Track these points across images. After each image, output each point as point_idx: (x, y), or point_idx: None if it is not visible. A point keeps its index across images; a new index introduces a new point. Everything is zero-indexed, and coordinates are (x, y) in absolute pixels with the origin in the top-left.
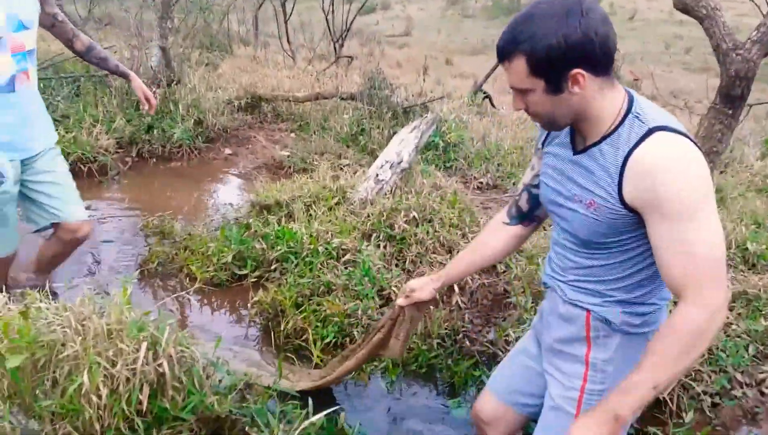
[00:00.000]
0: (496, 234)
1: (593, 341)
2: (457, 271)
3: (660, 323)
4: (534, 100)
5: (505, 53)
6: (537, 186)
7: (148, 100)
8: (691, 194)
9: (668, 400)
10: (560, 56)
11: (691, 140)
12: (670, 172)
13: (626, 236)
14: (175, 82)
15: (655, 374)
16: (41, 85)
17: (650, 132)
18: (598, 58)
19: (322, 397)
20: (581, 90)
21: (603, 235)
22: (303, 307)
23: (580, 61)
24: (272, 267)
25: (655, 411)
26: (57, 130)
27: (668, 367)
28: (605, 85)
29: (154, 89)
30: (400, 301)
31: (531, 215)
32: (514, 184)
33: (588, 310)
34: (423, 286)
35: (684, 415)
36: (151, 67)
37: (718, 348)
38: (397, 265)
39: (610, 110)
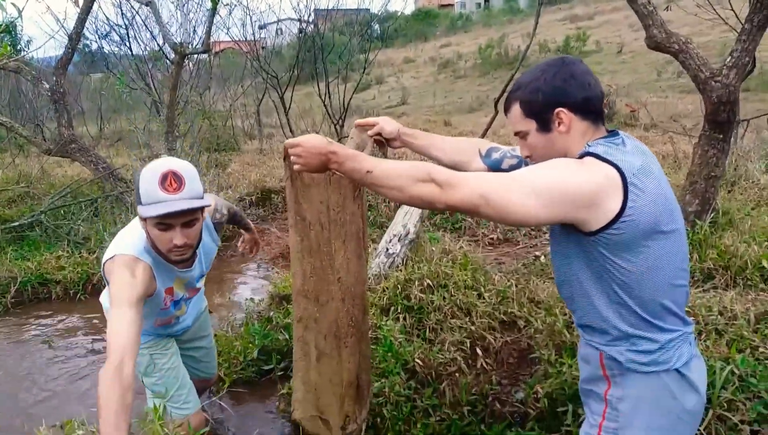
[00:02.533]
0: (464, 154)
1: (611, 379)
2: (417, 145)
3: (673, 363)
4: (531, 143)
5: (506, 104)
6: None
7: (251, 250)
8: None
9: None
10: (544, 97)
11: (616, 167)
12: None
13: (570, 245)
14: None
15: (377, 170)
16: (62, 211)
17: (581, 157)
18: (577, 99)
19: None
20: (566, 129)
21: (557, 243)
22: None
23: (561, 101)
24: None
25: None
26: (79, 252)
27: (388, 177)
28: (589, 131)
29: None
30: (360, 121)
31: (500, 171)
32: (525, 234)
33: (600, 350)
34: (391, 123)
35: None
36: None
37: (748, 374)
38: (418, 336)
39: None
